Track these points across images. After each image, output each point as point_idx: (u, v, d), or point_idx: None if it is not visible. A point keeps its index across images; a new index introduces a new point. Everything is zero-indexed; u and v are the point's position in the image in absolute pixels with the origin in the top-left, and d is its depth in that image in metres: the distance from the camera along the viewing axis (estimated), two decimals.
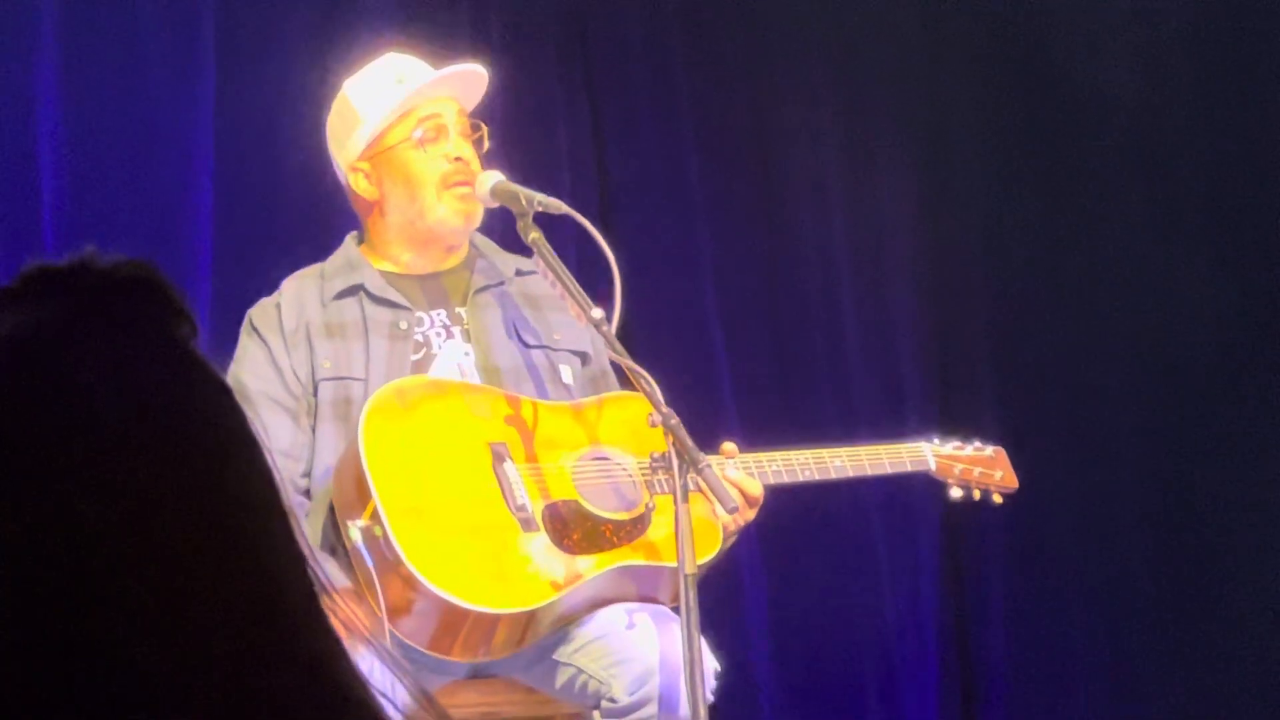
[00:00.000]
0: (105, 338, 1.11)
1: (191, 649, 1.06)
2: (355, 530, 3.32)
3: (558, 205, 3.58)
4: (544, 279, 3.68)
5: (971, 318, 5.42)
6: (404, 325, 3.61)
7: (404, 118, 3.66)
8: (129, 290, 1.13)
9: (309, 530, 3.44)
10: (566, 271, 3.54)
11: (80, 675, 1.04)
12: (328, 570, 3.29)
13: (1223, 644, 5.28)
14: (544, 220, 3.61)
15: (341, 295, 3.63)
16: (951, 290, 5.41)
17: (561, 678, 3.46)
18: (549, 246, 3.57)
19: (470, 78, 3.74)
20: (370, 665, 1.18)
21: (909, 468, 3.80)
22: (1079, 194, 5.42)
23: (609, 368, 3.70)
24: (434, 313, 3.65)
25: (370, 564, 3.30)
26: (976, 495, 3.89)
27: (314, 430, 3.54)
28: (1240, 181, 5.37)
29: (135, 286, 1.13)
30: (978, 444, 3.92)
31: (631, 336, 3.65)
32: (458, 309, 3.67)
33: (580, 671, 3.44)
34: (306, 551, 1.13)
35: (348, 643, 1.13)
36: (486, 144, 3.73)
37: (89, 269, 1.12)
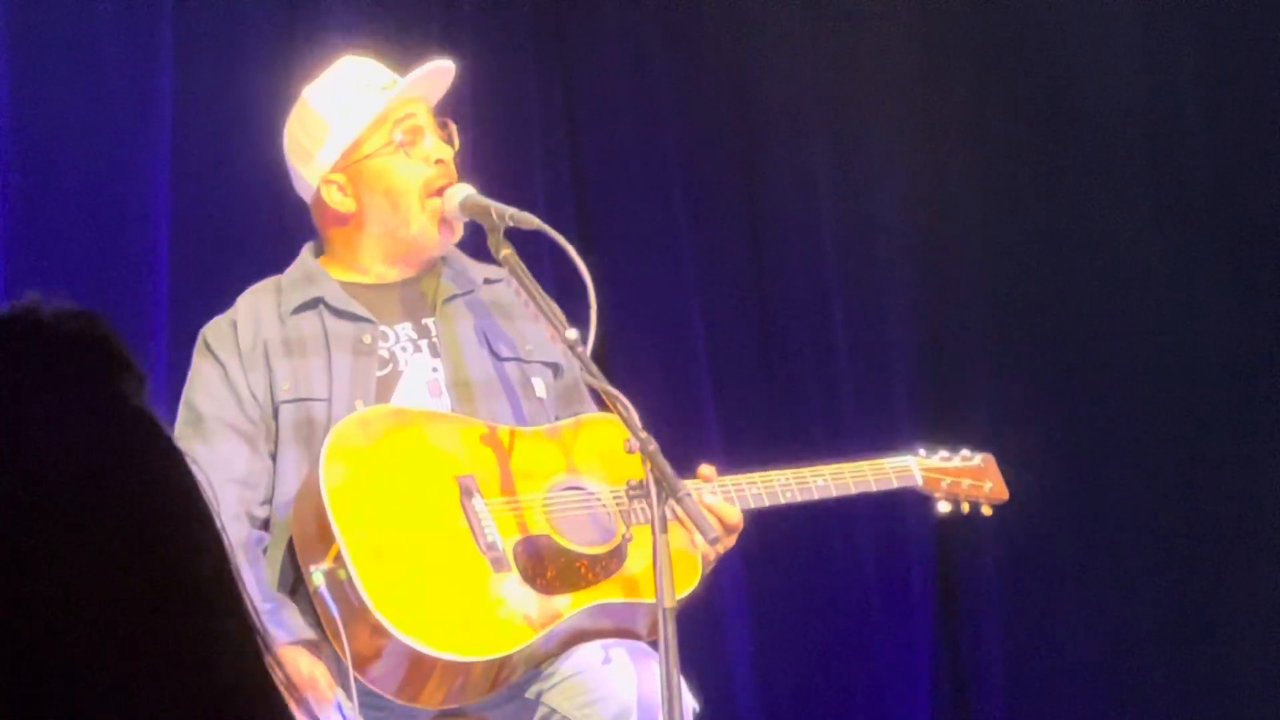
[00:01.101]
0: (50, 399, 1.09)
1: None
2: (318, 574, 3.20)
3: (530, 220, 3.45)
4: (514, 288, 3.53)
5: (967, 324, 5.33)
6: (367, 339, 3.46)
7: (379, 123, 3.50)
8: (75, 347, 1.11)
9: (268, 566, 3.33)
10: (540, 290, 3.42)
11: None
12: (287, 618, 3.20)
13: (1224, 659, 5.22)
14: (517, 235, 3.46)
15: (300, 309, 3.48)
16: (946, 296, 5.34)
17: (534, 717, 3.35)
18: (522, 264, 3.44)
19: (437, 74, 3.59)
20: None
21: (895, 484, 3.67)
22: (1077, 195, 5.38)
23: (581, 378, 3.54)
24: (399, 326, 3.51)
25: (334, 611, 3.18)
26: (965, 509, 3.75)
27: (274, 456, 3.40)
28: (1245, 179, 5.35)
29: (82, 342, 1.12)
30: (965, 452, 3.78)
31: (609, 355, 3.51)
32: (425, 320, 3.52)
33: (554, 711, 3.34)
34: (254, 617, 1.13)
35: (294, 707, 1.14)
36: (457, 142, 3.57)
37: (35, 322, 1.11)
